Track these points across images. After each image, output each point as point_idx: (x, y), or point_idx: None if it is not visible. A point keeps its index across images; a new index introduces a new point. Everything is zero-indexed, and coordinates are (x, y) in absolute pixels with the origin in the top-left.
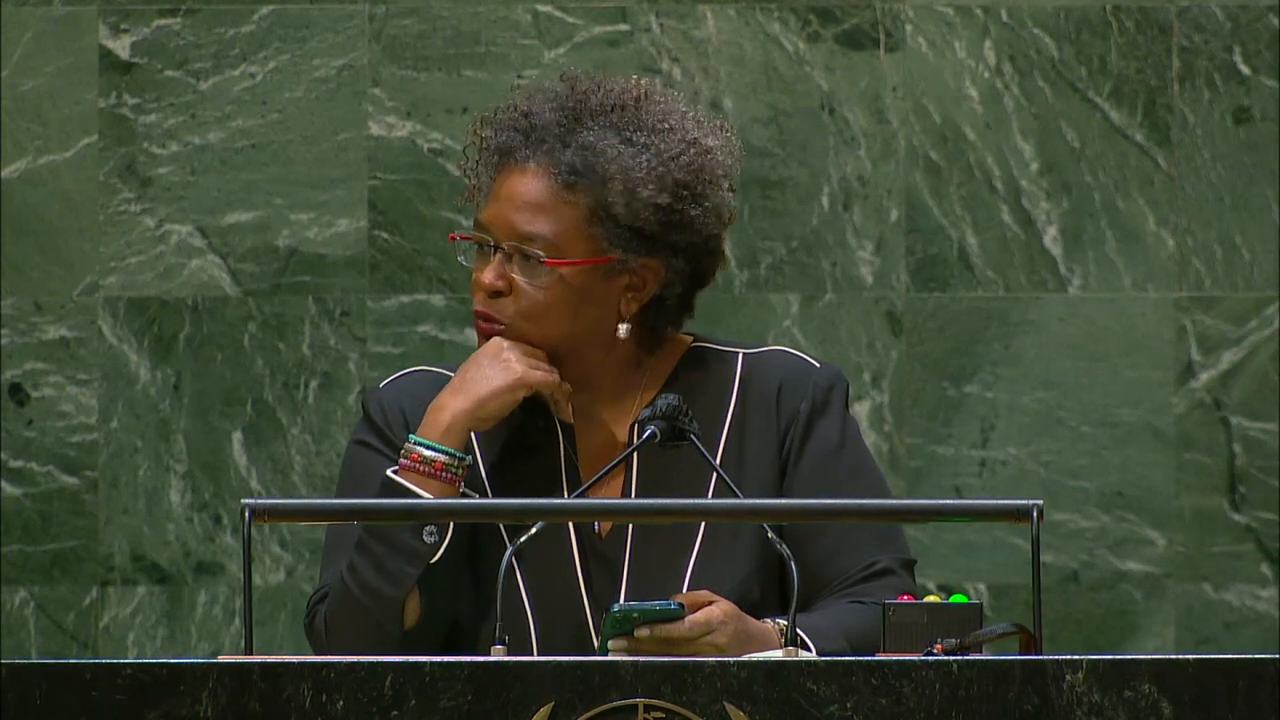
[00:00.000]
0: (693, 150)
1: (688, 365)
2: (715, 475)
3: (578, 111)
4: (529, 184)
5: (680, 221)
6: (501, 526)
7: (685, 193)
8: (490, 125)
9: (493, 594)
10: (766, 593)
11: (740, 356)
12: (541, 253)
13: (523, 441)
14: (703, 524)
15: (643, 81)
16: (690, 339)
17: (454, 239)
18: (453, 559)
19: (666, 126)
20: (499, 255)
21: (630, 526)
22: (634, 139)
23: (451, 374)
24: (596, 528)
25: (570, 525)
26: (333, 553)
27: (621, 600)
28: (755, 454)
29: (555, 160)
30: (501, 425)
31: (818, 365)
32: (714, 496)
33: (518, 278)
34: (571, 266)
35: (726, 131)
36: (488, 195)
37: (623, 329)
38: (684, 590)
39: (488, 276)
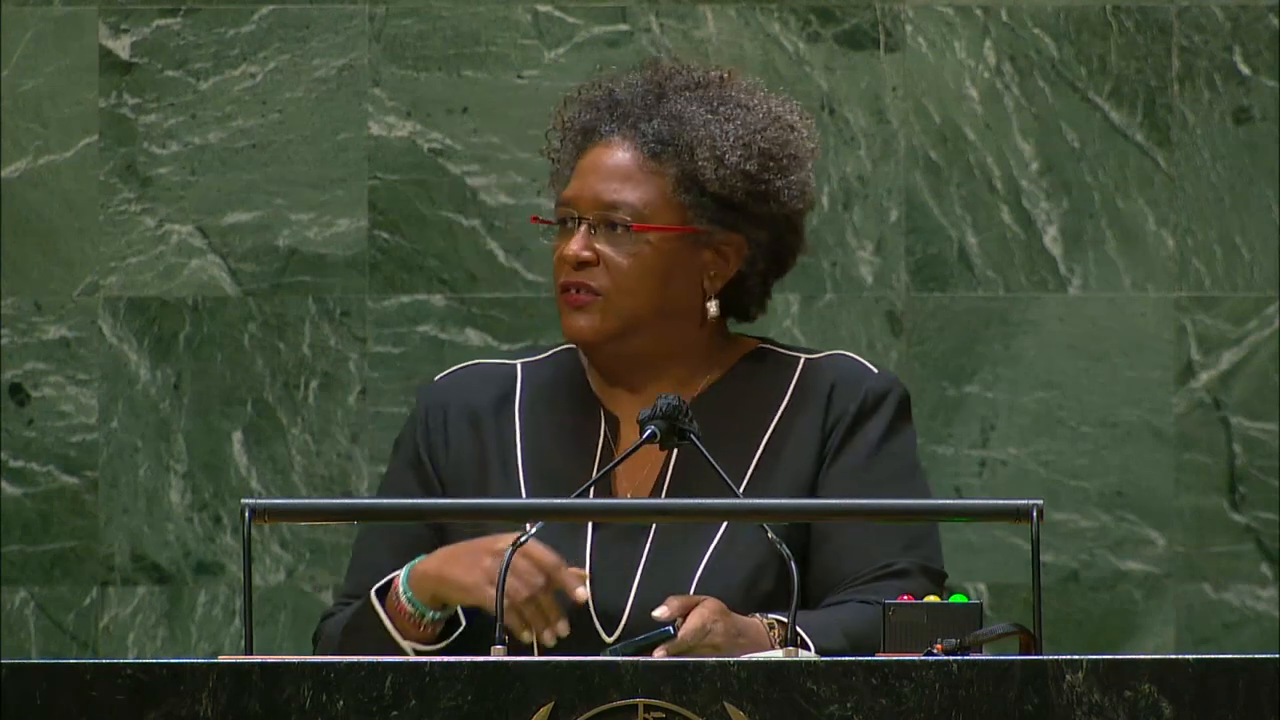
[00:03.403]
0: (776, 125)
1: (749, 362)
2: (751, 467)
3: (662, 87)
4: (615, 155)
5: (766, 192)
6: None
7: (771, 163)
8: (574, 105)
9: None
10: (779, 585)
11: (801, 361)
12: (628, 218)
13: (565, 427)
14: None
15: (729, 68)
16: (758, 341)
17: (535, 220)
18: None
19: (752, 102)
20: (584, 227)
21: None
22: (720, 110)
23: (510, 363)
24: None
25: None
26: (358, 561)
27: (635, 588)
28: (795, 452)
29: (640, 131)
30: (546, 408)
31: (875, 372)
32: (747, 488)
33: (604, 248)
34: (657, 233)
35: (807, 118)
36: (571, 174)
37: (713, 306)
38: (695, 582)
39: (574, 246)
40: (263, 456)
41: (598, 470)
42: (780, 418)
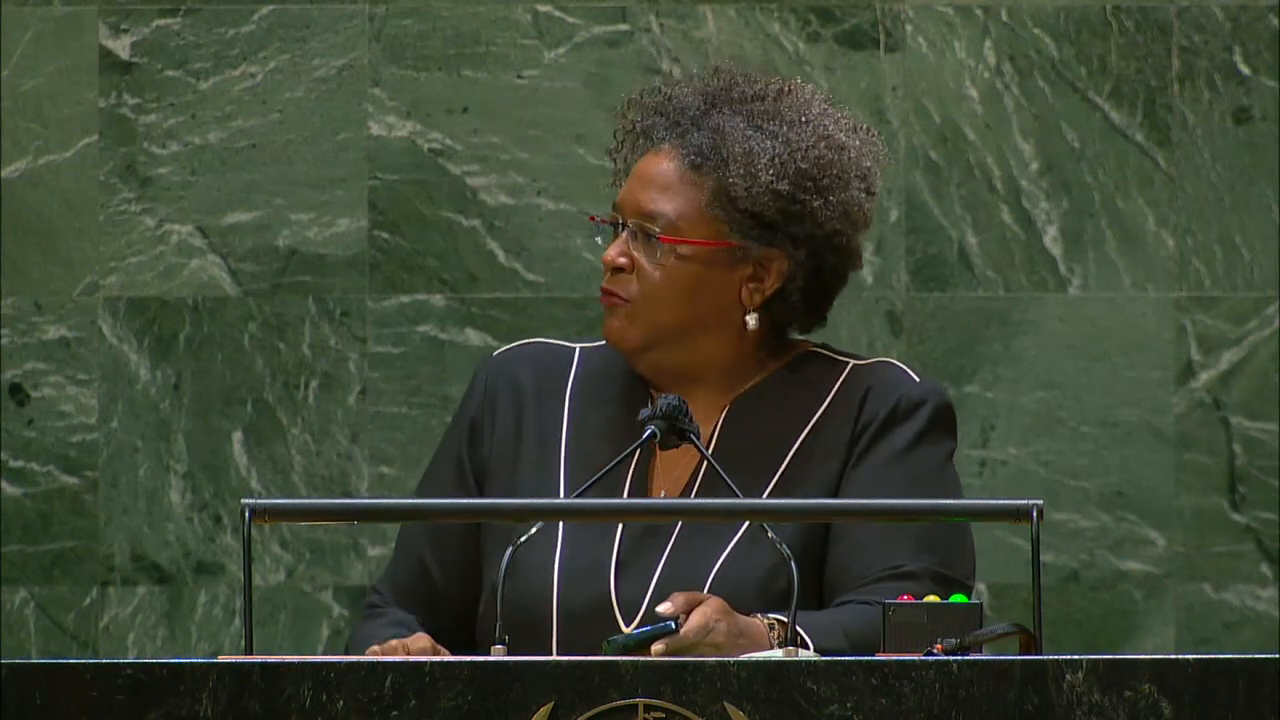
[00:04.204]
0: (823, 144)
1: (795, 365)
2: (784, 464)
3: (716, 98)
4: (660, 164)
5: (801, 212)
6: (562, 482)
7: (809, 183)
8: (636, 108)
9: (519, 559)
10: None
11: (849, 366)
12: (658, 229)
13: (610, 417)
14: None
15: (793, 79)
16: (811, 346)
17: (592, 220)
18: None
19: (802, 120)
20: (625, 233)
21: None
22: (765, 127)
23: (571, 345)
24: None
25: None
26: (398, 547)
27: (655, 579)
28: (824, 455)
29: (685, 142)
30: (596, 395)
31: (917, 380)
32: (775, 487)
33: (639, 256)
34: (689, 246)
35: (871, 135)
36: (627, 177)
37: (751, 320)
38: (710, 576)
39: (611, 253)
40: (263, 456)
41: (634, 464)
42: (816, 421)
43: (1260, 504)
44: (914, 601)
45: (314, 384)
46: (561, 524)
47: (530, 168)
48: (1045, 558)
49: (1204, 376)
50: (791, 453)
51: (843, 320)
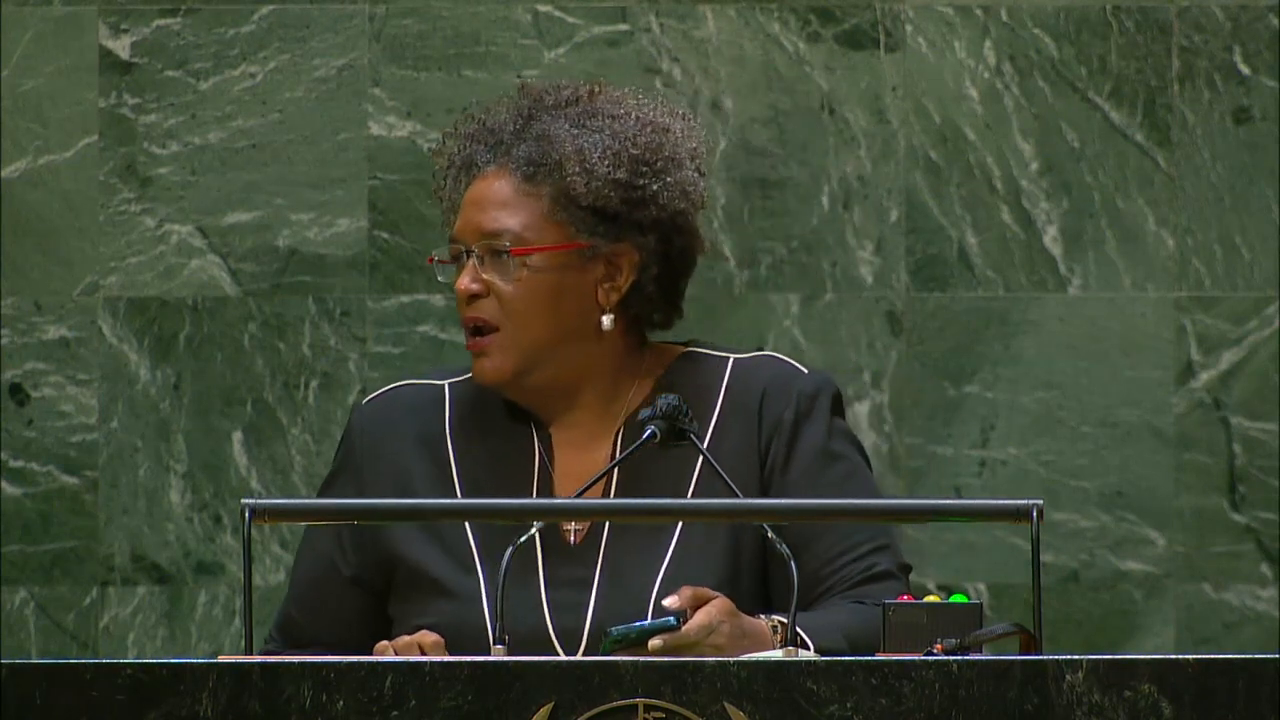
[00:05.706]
0: (649, 129)
1: (676, 369)
2: (694, 477)
3: (532, 110)
4: (491, 185)
5: (641, 198)
6: (470, 530)
7: (644, 168)
8: (451, 141)
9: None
10: (738, 600)
11: (730, 361)
12: (508, 244)
13: (498, 449)
14: (677, 532)
15: (597, 81)
16: (683, 347)
17: (432, 261)
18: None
19: (621, 112)
20: (471, 260)
21: (605, 533)
22: (588, 124)
23: (439, 383)
24: (571, 537)
25: (537, 537)
26: (292, 585)
27: (591, 606)
28: (733, 459)
29: (513, 157)
30: (478, 430)
31: (805, 372)
32: (700, 498)
33: (491, 278)
34: (539, 254)
35: (687, 119)
36: (458, 211)
37: (606, 320)
38: (653, 597)
39: (463, 281)
40: (263, 456)
41: (537, 487)
42: (715, 425)
43: (1260, 504)
44: (914, 601)
45: (314, 384)
46: (477, 554)
47: None
48: (1045, 558)
49: (1204, 376)
50: (700, 461)
51: (843, 320)
